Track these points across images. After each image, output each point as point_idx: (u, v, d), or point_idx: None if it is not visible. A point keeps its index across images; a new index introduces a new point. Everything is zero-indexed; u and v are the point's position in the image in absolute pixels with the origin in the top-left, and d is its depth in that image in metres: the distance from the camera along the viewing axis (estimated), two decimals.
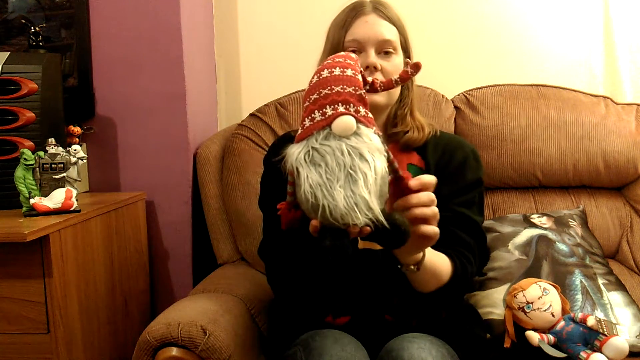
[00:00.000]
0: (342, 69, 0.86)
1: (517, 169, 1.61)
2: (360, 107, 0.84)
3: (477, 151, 1.24)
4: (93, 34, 1.64)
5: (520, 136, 1.60)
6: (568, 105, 1.61)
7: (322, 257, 0.83)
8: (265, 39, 1.88)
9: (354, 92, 0.84)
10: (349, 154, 0.80)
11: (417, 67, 0.90)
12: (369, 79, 0.92)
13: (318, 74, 0.87)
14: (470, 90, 1.69)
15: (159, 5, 1.62)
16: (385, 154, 0.84)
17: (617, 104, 1.65)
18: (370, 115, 0.85)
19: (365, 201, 0.79)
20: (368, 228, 0.82)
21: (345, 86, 0.85)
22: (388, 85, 0.92)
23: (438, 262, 1.05)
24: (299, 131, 0.84)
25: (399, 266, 1.01)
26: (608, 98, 1.66)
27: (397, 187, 0.89)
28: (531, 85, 1.66)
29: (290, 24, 1.88)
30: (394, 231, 0.83)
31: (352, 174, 0.80)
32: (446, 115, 1.64)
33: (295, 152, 0.83)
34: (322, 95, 0.84)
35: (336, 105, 0.83)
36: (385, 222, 0.81)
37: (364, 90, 0.86)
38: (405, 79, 0.92)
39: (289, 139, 1.20)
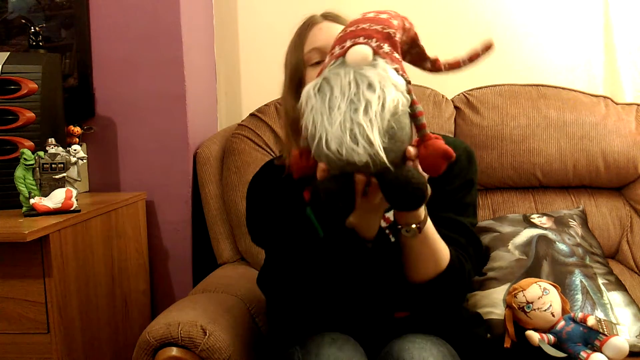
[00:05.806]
0: (377, 13, 0.83)
1: (517, 169, 1.61)
2: (385, 44, 0.78)
3: (472, 151, 1.17)
4: (93, 34, 1.64)
5: (520, 136, 1.60)
6: (568, 105, 1.61)
7: (318, 198, 0.74)
8: (265, 39, 1.88)
9: (381, 29, 0.79)
10: (356, 81, 0.74)
11: (488, 47, 0.89)
12: (432, 56, 0.85)
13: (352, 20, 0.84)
14: (470, 90, 1.69)
15: (159, 5, 1.62)
16: (408, 95, 0.76)
17: (617, 104, 1.65)
18: (397, 55, 0.78)
19: (363, 131, 0.71)
20: (373, 179, 0.74)
21: (372, 24, 0.80)
22: (454, 66, 0.87)
23: (437, 238, 1.01)
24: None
25: (398, 227, 0.96)
26: (608, 98, 1.66)
27: (424, 149, 0.78)
28: (531, 85, 1.66)
29: (290, 24, 1.86)
30: (403, 186, 0.73)
31: (355, 102, 0.72)
32: (446, 115, 1.64)
33: (308, 87, 0.78)
34: (347, 31, 0.82)
35: (356, 39, 0.79)
36: (386, 161, 0.72)
37: (394, 30, 0.80)
38: (474, 59, 0.89)
39: (270, 168, 1.18)
